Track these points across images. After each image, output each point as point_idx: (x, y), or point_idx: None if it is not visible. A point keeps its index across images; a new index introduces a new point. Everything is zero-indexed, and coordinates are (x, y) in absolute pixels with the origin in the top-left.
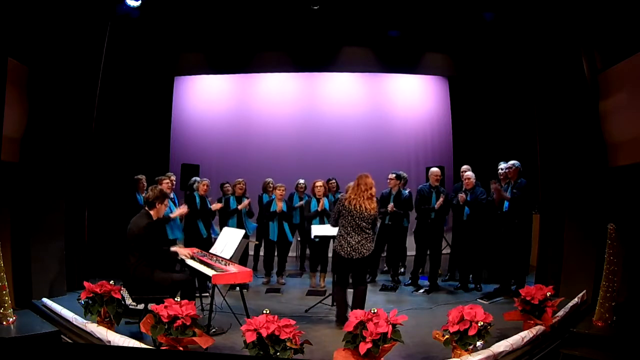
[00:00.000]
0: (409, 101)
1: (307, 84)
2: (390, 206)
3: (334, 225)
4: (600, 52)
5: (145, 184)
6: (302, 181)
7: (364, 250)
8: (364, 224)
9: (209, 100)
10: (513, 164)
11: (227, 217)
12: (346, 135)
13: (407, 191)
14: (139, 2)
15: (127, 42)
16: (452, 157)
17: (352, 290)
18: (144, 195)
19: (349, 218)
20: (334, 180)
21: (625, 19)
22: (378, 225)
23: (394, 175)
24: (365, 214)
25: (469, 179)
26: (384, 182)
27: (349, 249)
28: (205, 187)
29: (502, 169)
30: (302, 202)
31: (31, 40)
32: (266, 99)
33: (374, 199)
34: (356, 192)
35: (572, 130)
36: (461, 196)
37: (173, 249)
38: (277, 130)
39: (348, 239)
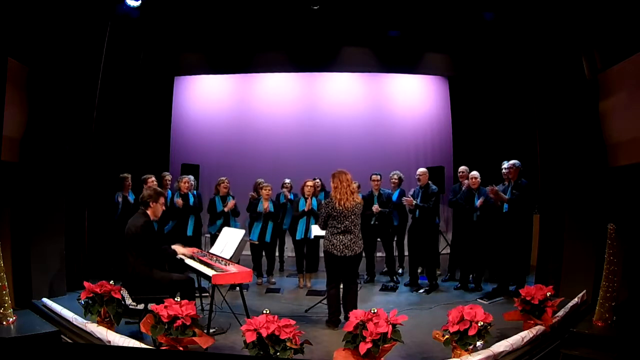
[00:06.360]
0: (409, 101)
1: (307, 84)
2: (375, 207)
3: (322, 228)
4: (600, 52)
5: (130, 183)
6: (287, 180)
7: (356, 248)
8: (356, 220)
9: (209, 100)
10: (513, 164)
11: (214, 218)
12: (346, 135)
13: (388, 190)
14: (139, 2)
15: (127, 42)
16: (452, 157)
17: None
18: (126, 194)
19: (341, 218)
20: (318, 180)
21: (625, 19)
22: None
23: (378, 176)
24: (355, 209)
25: (475, 178)
26: (384, 183)
27: (341, 247)
28: (185, 184)
29: (505, 169)
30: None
31: (31, 40)
32: (266, 99)
33: (357, 192)
34: (340, 190)
35: (572, 130)
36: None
37: (173, 247)
38: (277, 130)
39: (340, 237)
